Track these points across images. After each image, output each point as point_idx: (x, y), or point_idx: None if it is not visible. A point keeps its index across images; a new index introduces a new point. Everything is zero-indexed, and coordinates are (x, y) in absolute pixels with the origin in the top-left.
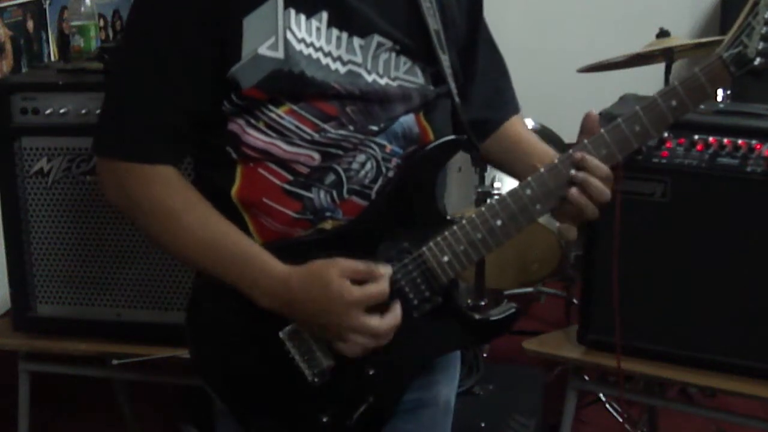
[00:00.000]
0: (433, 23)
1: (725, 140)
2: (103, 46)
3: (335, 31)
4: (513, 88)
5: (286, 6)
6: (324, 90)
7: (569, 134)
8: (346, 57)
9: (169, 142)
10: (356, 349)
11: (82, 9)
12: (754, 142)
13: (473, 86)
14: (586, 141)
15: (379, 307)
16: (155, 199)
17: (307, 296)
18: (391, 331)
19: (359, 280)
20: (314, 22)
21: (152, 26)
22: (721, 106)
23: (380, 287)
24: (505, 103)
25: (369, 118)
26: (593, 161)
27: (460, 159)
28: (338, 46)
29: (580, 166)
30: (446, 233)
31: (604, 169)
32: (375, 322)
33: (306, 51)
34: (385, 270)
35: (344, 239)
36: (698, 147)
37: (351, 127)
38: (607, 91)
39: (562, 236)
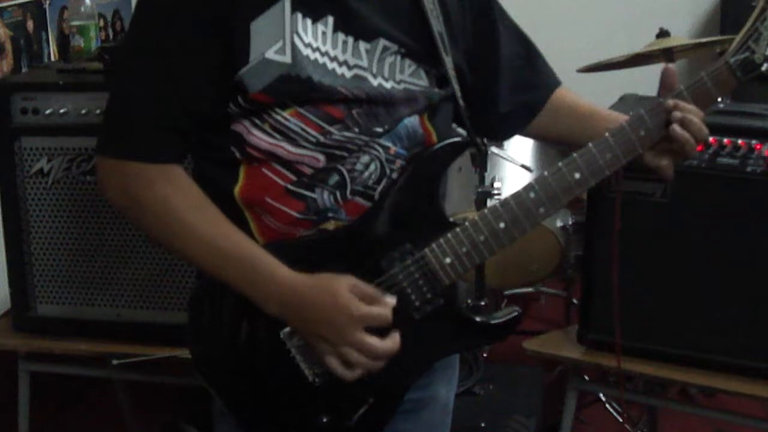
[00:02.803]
0: (437, 25)
1: (725, 140)
2: (103, 46)
3: (341, 36)
4: (548, 64)
5: (293, 10)
6: (331, 95)
7: None
8: (352, 61)
9: (173, 141)
10: (347, 367)
11: (82, 9)
12: (754, 142)
13: (500, 77)
14: (590, 144)
15: (379, 333)
16: (160, 198)
17: (314, 304)
18: (387, 356)
19: (365, 301)
20: (320, 27)
21: (158, 27)
22: (721, 106)
23: (385, 311)
24: (541, 81)
25: (374, 120)
26: (687, 105)
27: (460, 159)
28: (344, 51)
29: (677, 108)
30: (449, 235)
31: (698, 111)
32: (373, 341)
33: (313, 56)
34: (391, 300)
35: (346, 240)
36: (698, 147)
37: (356, 129)
38: (607, 91)
39: (662, 174)
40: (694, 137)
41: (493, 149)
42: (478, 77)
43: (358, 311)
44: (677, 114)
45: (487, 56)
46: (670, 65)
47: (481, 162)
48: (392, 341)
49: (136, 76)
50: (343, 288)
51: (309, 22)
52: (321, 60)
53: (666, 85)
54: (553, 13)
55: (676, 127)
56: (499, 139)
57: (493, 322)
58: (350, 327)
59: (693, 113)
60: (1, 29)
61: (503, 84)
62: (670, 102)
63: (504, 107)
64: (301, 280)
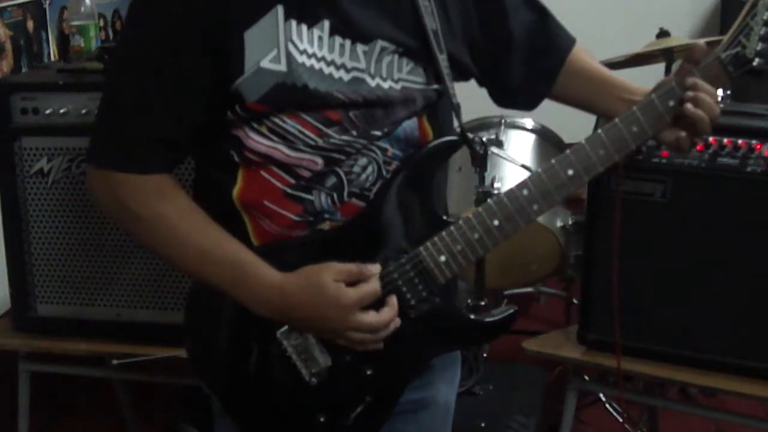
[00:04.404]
0: (431, 23)
1: (725, 140)
2: (103, 46)
3: (338, 39)
4: (560, 24)
5: (287, 18)
6: (327, 101)
7: (569, 134)
8: (349, 64)
9: (164, 152)
10: (355, 346)
11: (82, 9)
12: (754, 142)
13: (512, 52)
14: (583, 141)
15: (374, 304)
16: (149, 208)
17: (303, 302)
18: (389, 324)
19: (352, 282)
20: (316, 32)
21: (150, 38)
22: (721, 106)
23: (373, 286)
24: (555, 44)
25: (372, 122)
26: (702, 83)
27: (460, 159)
28: (341, 54)
29: (690, 87)
30: (443, 233)
31: (712, 90)
32: (372, 318)
33: (308, 62)
34: (375, 268)
35: (341, 239)
36: (698, 147)
37: (354, 132)
38: None
39: (680, 146)
40: (708, 115)
41: (493, 149)
42: (490, 56)
43: (348, 300)
44: (690, 93)
45: (498, 33)
46: (701, 42)
47: (481, 162)
48: (389, 309)
49: (127, 86)
50: (329, 279)
51: (304, 28)
52: (317, 66)
53: (692, 59)
54: (553, 12)
55: (689, 106)
56: (528, 107)
57: (488, 320)
58: (345, 315)
59: (706, 92)
60: (1, 29)
61: (514, 58)
62: (689, 80)
63: (515, 81)
64: (287, 280)
